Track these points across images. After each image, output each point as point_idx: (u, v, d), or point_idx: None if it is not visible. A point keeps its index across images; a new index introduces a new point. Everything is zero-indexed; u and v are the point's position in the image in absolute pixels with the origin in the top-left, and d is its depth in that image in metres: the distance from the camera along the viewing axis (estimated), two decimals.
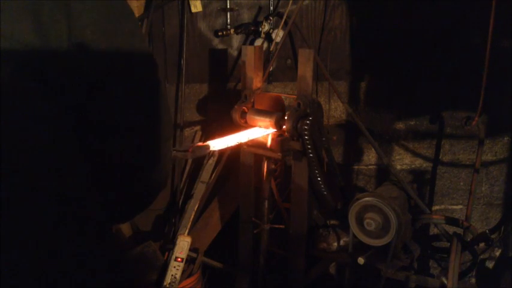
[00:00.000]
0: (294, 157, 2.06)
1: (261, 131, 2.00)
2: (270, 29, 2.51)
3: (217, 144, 1.63)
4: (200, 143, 1.50)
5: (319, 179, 2.08)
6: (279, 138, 1.97)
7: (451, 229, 2.39)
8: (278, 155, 2.01)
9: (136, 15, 2.47)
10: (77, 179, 0.88)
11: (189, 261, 2.41)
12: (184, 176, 2.66)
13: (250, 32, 2.54)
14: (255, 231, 2.24)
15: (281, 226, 2.23)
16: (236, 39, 2.62)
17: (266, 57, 2.51)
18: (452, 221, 2.31)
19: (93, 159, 0.92)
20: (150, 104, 1.00)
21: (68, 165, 0.86)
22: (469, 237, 2.36)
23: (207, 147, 1.53)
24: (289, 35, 2.56)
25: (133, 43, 0.96)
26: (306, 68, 1.96)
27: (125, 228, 2.60)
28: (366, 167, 2.75)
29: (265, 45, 2.54)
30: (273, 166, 2.14)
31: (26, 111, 0.80)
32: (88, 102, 0.88)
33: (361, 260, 2.16)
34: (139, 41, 0.99)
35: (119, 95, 0.92)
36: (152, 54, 1.17)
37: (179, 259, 2.29)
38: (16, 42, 0.78)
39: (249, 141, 1.99)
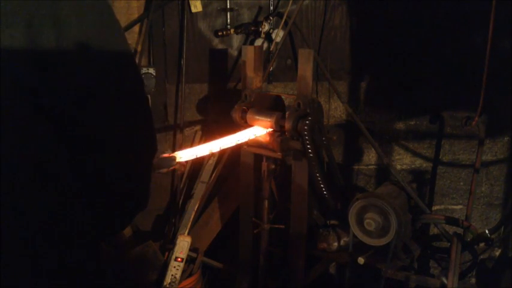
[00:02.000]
0: (294, 157, 2.05)
1: (238, 138, 1.90)
2: (270, 29, 2.51)
3: (185, 154, 1.52)
4: (166, 154, 1.42)
5: (319, 178, 2.08)
6: (279, 138, 1.97)
7: (451, 229, 2.39)
8: (278, 155, 2.01)
9: (136, 15, 2.47)
10: (62, 189, 0.88)
11: (189, 261, 2.41)
12: (184, 176, 2.66)
13: (250, 32, 2.54)
14: (255, 231, 2.24)
15: (281, 226, 2.23)
16: (236, 39, 2.62)
17: (266, 57, 2.51)
18: (452, 221, 2.31)
19: (79, 172, 0.91)
20: (136, 116, 1.00)
21: (54, 175, 0.86)
22: (469, 237, 2.36)
23: (173, 158, 1.43)
24: (289, 35, 2.56)
25: (120, 45, 0.96)
26: (306, 68, 1.96)
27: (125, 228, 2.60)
28: (366, 167, 2.75)
29: (265, 45, 2.54)
30: (273, 166, 2.14)
31: (12, 121, 0.80)
32: (75, 111, 0.87)
33: (361, 260, 2.16)
34: (125, 44, 0.99)
35: (106, 100, 0.92)
36: (134, 57, 1.17)
37: (179, 259, 2.29)
38: (6, 46, 0.78)
39: (249, 141, 1.99)
